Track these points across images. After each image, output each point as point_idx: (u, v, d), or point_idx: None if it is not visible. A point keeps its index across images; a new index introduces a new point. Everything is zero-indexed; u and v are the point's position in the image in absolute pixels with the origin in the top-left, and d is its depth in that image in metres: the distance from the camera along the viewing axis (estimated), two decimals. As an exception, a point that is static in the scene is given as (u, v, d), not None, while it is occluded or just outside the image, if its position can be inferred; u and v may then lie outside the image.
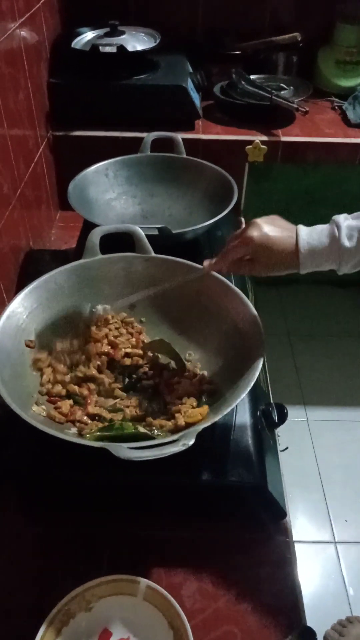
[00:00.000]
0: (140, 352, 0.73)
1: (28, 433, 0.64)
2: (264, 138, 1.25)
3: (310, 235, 0.60)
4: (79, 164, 1.00)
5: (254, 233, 0.61)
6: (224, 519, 0.69)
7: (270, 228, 0.61)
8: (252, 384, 0.59)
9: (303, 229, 0.61)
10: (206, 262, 0.68)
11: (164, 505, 0.69)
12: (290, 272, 0.62)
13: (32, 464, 0.65)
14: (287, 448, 0.84)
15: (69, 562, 0.64)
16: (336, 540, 1.39)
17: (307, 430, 1.63)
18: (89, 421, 0.63)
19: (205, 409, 0.62)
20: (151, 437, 0.59)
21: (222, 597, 0.63)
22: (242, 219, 1.28)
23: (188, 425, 0.60)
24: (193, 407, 0.64)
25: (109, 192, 1.05)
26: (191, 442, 0.50)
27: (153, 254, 0.76)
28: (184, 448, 0.50)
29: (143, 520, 0.69)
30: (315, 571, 1.35)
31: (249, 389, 0.58)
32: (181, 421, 0.61)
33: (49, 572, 0.64)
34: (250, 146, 1.25)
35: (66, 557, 0.65)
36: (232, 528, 0.68)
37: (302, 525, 1.41)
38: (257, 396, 0.75)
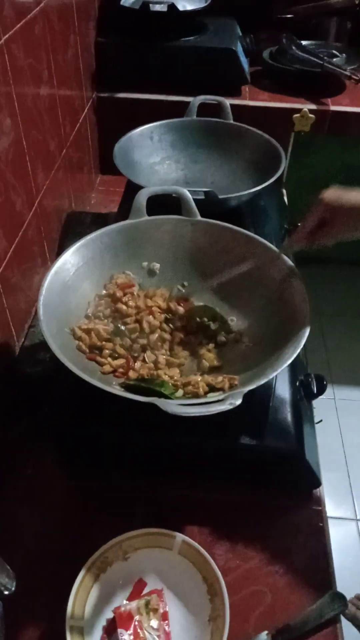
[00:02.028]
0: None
1: (68, 389, 0.66)
2: (313, 107, 1.21)
3: None
4: (122, 128, 0.98)
5: (327, 194, 0.60)
6: (260, 485, 0.70)
7: (341, 189, 0.61)
8: (299, 350, 0.59)
9: None
10: (286, 240, 0.68)
11: (201, 468, 0.70)
12: None
13: (70, 421, 0.66)
14: (321, 420, 0.83)
15: (104, 515, 0.66)
16: (358, 517, 1.40)
17: (334, 408, 1.62)
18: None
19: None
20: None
21: (254, 558, 0.64)
22: (284, 191, 1.25)
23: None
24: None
25: (153, 156, 1.04)
26: (238, 401, 0.50)
27: (200, 218, 0.76)
28: (230, 407, 0.50)
29: (177, 480, 0.70)
30: (335, 547, 1.35)
31: (295, 354, 0.58)
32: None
33: (84, 523, 0.66)
34: (298, 115, 1.21)
35: (101, 510, 0.67)
36: (267, 494, 0.69)
37: (325, 502, 1.42)
38: (296, 366, 0.75)
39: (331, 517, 1.40)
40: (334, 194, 0.61)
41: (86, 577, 0.57)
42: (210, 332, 0.71)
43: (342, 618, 0.59)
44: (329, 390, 1.67)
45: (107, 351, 0.66)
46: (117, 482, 0.69)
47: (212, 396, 0.59)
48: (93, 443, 0.69)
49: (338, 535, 1.38)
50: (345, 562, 1.34)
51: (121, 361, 0.65)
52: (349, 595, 1.26)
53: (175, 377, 0.64)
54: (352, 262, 1.90)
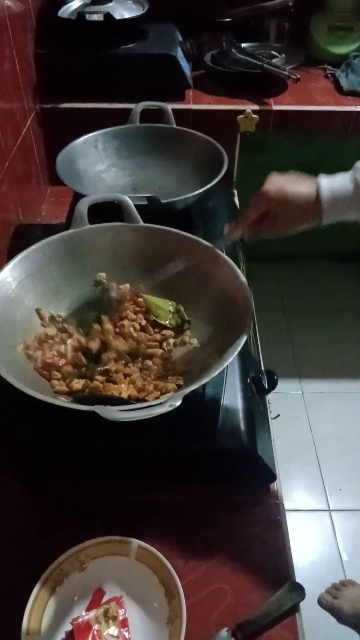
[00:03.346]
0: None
1: (19, 400, 0.66)
2: (256, 107, 1.23)
3: (332, 182, 0.58)
4: (68, 137, 0.98)
5: (269, 187, 0.59)
6: (216, 483, 0.70)
7: (287, 180, 0.59)
8: (238, 348, 0.59)
9: (324, 177, 0.59)
10: (226, 227, 0.66)
11: (155, 470, 0.70)
12: (311, 226, 0.60)
13: (25, 431, 0.65)
14: (278, 415, 0.85)
15: (64, 526, 0.66)
16: (330, 508, 1.42)
17: (303, 403, 1.64)
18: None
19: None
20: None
21: (213, 557, 0.64)
22: (235, 191, 1.27)
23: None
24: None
25: (99, 164, 1.04)
26: (178, 403, 0.51)
27: (142, 223, 0.76)
28: (170, 409, 0.50)
29: (135, 485, 0.70)
30: (310, 539, 1.38)
31: (235, 353, 0.59)
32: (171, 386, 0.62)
33: (44, 536, 0.65)
34: (242, 116, 1.23)
35: (61, 522, 0.67)
36: (223, 491, 0.70)
37: (297, 494, 1.44)
38: (247, 363, 0.76)
39: (305, 510, 1.43)
40: (277, 185, 0.59)
41: (42, 592, 0.56)
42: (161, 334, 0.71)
43: (301, 607, 0.60)
44: (297, 385, 1.71)
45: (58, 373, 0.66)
46: (76, 491, 0.69)
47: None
48: (48, 452, 0.68)
49: (312, 527, 1.40)
50: (322, 553, 1.36)
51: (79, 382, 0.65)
52: (326, 584, 1.28)
53: (129, 391, 0.64)
54: (318, 257, 1.94)
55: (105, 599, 0.59)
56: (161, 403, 0.52)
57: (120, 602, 0.58)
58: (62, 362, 0.66)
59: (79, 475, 0.70)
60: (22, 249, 0.74)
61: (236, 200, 1.25)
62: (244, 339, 0.60)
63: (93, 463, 0.70)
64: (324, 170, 1.52)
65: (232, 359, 0.58)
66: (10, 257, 0.95)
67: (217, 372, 0.57)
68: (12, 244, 0.98)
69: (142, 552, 0.60)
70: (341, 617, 1.18)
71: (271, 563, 0.65)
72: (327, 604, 1.19)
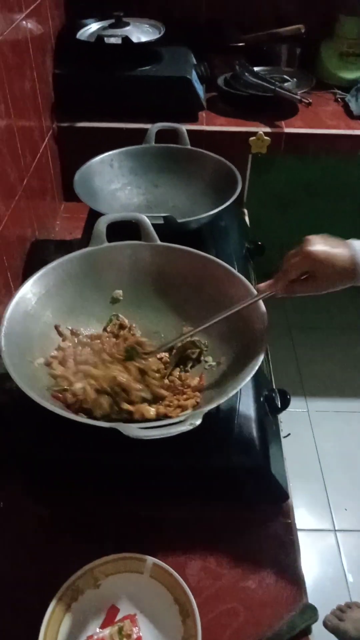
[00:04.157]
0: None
1: (34, 414, 0.66)
2: (267, 129, 1.26)
3: None
4: (83, 156, 1.01)
5: (312, 248, 0.60)
6: (228, 501, 0.71)
7: (326, 242, 0.61)
8: (256, 368, 0.60)
9: (355, 242, 0.61)
10: (262, 285, 0.66)
11: (168, 486, 0.71)
12: (344, 287, 0.62)
13: (36, 446, 0.66)
14: (289, 434, 0.85)
15: (75, 542, 0.66)
16: (336, 528, 1.41)
17: (308, 420, 1.65)
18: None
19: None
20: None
21: (226, 576, 0.65)
22: (245, 210, 1.29)
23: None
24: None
25: (114, 183, 1.06)
26: (198, 422, 0.52)
27: (159, 242, 0.78)
28: (191, 427, 0.51)
29: (147, 500, 0.70)
30: (315, 559, 1.37)
31: (253, 372, 0.60)
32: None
33: (54, 551, 0.65)
34: (254, 137, 1.25)
35: (71, 537, 0.67)
36: (235, 509, 0.70)
37: (302, 513, 1.44)
38: (260, 382, 0.77)
39: (309, 530, 1.43)
40: (320, 247, 0.60)
41: (57, 608, 0.56)
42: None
43: (313, 629, 0.60)
44: (302, 403, 1.71)
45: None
46: (87, 507, 0.70)
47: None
48: (59, 466, 0.69)
49: (317, 547, 1.39)
50: (326, 574, 1.35)
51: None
52: (331, 606, 1.27)
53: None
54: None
55: (119, 616, 0.59)
56: (181, 421, 0.52)
57: (134, 620, 0.58)
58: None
59: (89, 490, 0.70)
60: (38, 264, 0.76)
61: (246, 219, 1.27)
62: (261, 357, 0.61)
63: (102, 478, 0.70)
64: (326, 190, 1.55)
65: (250, 377, 0.59)
66: (26, 273, 0.98)
67: (235, 391, 0.58)
68: (28, 259, 1.00)
69: (157, 569, 0.60)
70: (350, 638, 1.17)
71: (283, 583, 0.65)
72: (333, 626, 1.17)
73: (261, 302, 0.68)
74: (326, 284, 0.62)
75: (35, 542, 0.67)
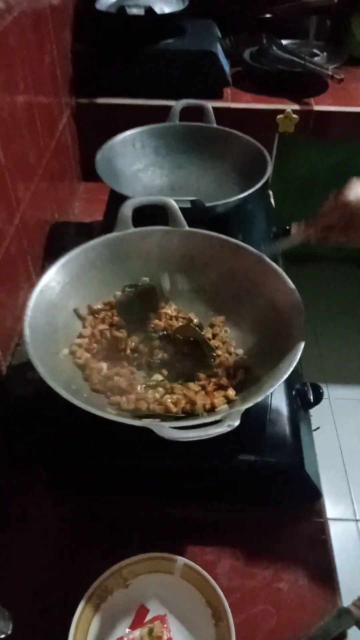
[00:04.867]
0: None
1: (59, 411, 0.64)
2: (296, 107, 1.20)
3: None
4: (103, 134, 0.96)
5: (350, 195, 0.56)
6: (259, 500, 0.68)
7: None
8: (295, 362, 0.57)
9: None
10: (294, 226, 0.63)
11: (198, 486, 0.68)
12: None
13: (61, 446, 0.64)
14: (318, 428, 0.82)
15: (101, 542, 0.64)
16: (357, 517, 1.39)
17: (329, 408, 1.62)
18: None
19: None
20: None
21: (257, 576, 0.62)
22: (270, 192, 1.24)
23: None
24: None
25: (136, 163, 1.02)
26: (236, 422, 0.49)
27: (187, 228, 0.74)
28: (229, 429, 0.48)
29: (177, 501, 0.68)
30: (336, 548, 1.35)
31: (292, 368, 0.57)
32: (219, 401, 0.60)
33: (81, 551, 0.63)
34: (282, 116, 1.20)
35: (97, 537, 0.65)
36: (267, 508, 0.68)
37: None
38: (291, 376, 0.73)
39: (330, 519, 1.41)
40: (358, 194, 0.56)
41: (86, 608, 0.55)
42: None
43: (349, 633, 0.58)
44: (324, 391, 1.68)
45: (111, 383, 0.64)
46: (113, 506, 0.67)
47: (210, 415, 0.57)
48: (86, 467, 0.67)
49: (337, 536, 1.37)
50: (346, 564, 1.33)
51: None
52: (351, 596, 1.25)
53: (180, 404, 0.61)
54: (342, 260, 1.90)
55: (148, 617, 0.57)
56: (217, 422, 0.50)
57: (164, 620, 0.56)
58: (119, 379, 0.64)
59: (115, 491, 0.68)
60: (59, 248, 0.73)
61: (272, 202, 1.22)
62: (300, 350, 0.58)
63: (129, 479, 0.68)
64: (352, 172, 1.49)
65: (289, 372, 0.56)
66: (46, 257, 0.95)
67: (274, 388, 0.54)
68: (47, 242, 0.97)
69: (188, 570, 0.58)
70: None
71: (317, 585, 0.62)
72: (356, 616, 1.16)
73: (296, 292, 0.65)
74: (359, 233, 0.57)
75: (62, 543, 0.65)
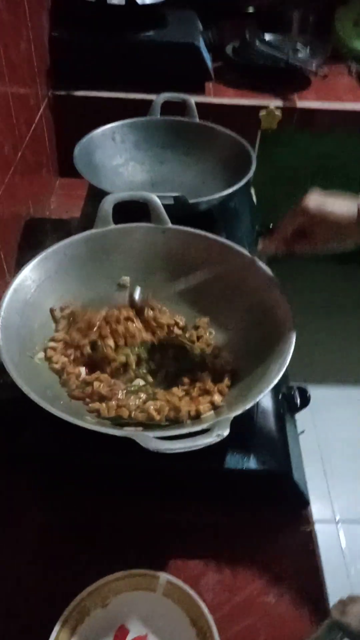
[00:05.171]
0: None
1: (35, 411, 0.60)
2: (279, 103, 1.17)
3: None
4: (81, 128, 0.92)
5: (309, 203, 0.56)
6: (244, 506, 0.65)
7: (327, 197, 0.56)
8: (284, 368, 0.54)
9: None
10: (260, 242, 0.63)
11: (184, 490, 0.65)
12: (347, 246, 0.57)
13: (47, 448, 0.60)
14: (303, 431, 0.80)
15: (80, 553, 0.60)
16: (337, 519, 1.39)
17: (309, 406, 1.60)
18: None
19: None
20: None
21: (243, 590, 0.60)
22: (252, 189, 1.22)
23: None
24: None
25: (116, 158, 0.98)
26: (226, 432, 0.46)
27: (171, 225, 0.71)
28: (218, 439, 0.45)
29: (162, 504, 0.65)
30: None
31: (281, 373, 0.54)
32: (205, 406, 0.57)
33: (60, 564, 0.60)
34: (264, 112, 1.17)
35: (77, 548, 0.61)
36: (250, 516, 0.65)
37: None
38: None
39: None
40: (316, 201, 0.56)
41: (62, 632, 0.51)
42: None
43: None
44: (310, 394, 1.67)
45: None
46: (93, 513, 0.64)
47: (195, 421, 0.54)
48: (64, 469, 0.63)
49: (318, 537, 1.36)
50: (327, 566, 1.32)
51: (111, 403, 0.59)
52: (333, 599, 1.24)
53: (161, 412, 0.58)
54: (319, 258, 1.89)
55: (129, 638, 0.54)
56: (205, 431, 0.47)
57: (146, 640, 0.53)
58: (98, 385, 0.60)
59: (102, 493, 0.65)
60: (34, 245, 0.69)
61: (254, 199, 1.19)
62: (289, 355, 0.56)
63: (116, 481, 0.64)
64: (336, 167, 1.47)
65: (278, 378, 0.53)
66: (21, 254, 0.90)
67: (263, 394, 0.52)
68: (22, 239, 0.92)
69: (171, 587, 0.55)
70: (351, 632, 1.15)
71: (305, 597, 0.60)
72: (336, 620, 1.15)
73: (282, 290, 0.62)
74: (324, 241, 0.57)
75: (39, 554, 0.61)
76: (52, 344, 0.63)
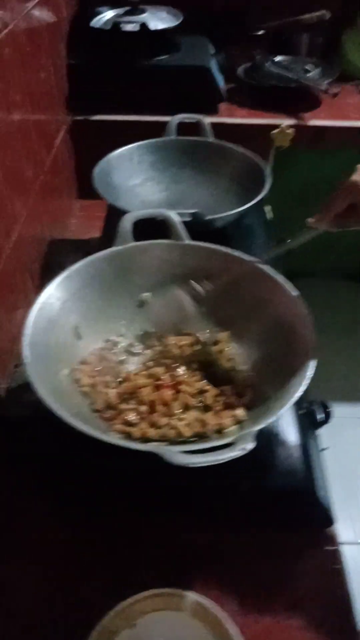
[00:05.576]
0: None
1: (56, 427, 0.60)
2: (291, 122, 1.19)
3: None
4: (99, 151, 0.94)
5: (357, 177, 0.54)
6: (268, 526, 0.64)
7: None
8: (306, 381, 0.54)
9: None
10: (310, 220, 0.60)
11: (203, 511, 0.64)
12: None
13: (59, 464, 0.61)
14: (326, 448, 0.79)
15: (105, 569, 0.60)
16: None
17: (332, 426, 1.58)
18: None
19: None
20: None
21: (269, 612, 0.58)
22: (266, 208, 1.23)
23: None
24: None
25: (133, 178, 1.00)
26: (251, 445, 0.46)
27: (189, 241, 0.71)
28: (243, 453, 0.45)
29: (183, 525, 0.64)
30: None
31: (304, 386, 0.54)
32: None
33: (83, 582, 0.59)
34: (276, 130, 1.19)
35: (101, 564, 0.61)
36: (275, 536, 0.64)
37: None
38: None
39: (340, 542, 1.36)
40: None
41: (90, 653, 0.50)
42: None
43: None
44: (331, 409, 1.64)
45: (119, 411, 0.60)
46: (118, 531, 0.63)
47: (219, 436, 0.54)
48: (89, 489, 0.63)
49: (348, 561, 1.33)
50: (353, 589, 1.29)
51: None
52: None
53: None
54: (337, 276, 1.89)
55: (156, 658, 0.53)
56: (230, 445, 0.46)
57: (173, 662, 0.52)
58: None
59: (119, 511, 0.64)
60: (56, 266, 0.70)
61: (268, 215, 1.20)
62: (311, 368, 0.55)
63: (134, 498, 0.64)
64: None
65: (301, 392, 0.53)
66: (44, 274, 0.92)
67: (286, 407, 0.51)
68: (44, 261, 0.94)
69: (198, 607, 0.54)
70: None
71: (333, 618, 0.58)
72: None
73: (305, 309, 0.62)
74: None
75: (61, 574, 0.60)
76: (82, 366, 0.64)
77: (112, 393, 0.60)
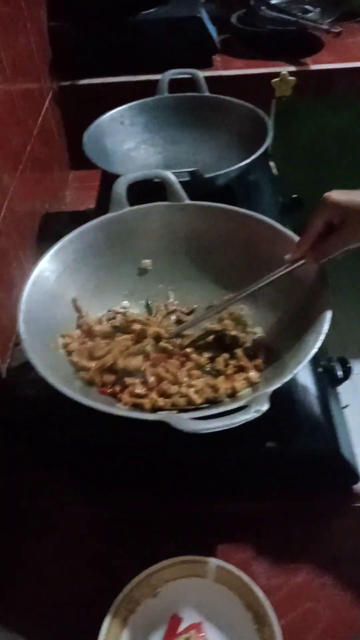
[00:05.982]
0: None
1: (72, 407, 0.59)
2: (292, 69, 1.12)
3: None
4: (89, 117, 0.90)
5: (337, 197, 0.52)
6: (292, 489, 0.63)
7: (348, 192, 0.53)
8: (322, 336, 0.51)
9: None
10: (288, 256, 0.59)
11: (223, 479, 0.63)
12: None
13: (76, 441, 0.59)
14: (347, 405, 0.76)
15: (129, 542, 0.59)
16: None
17: (352, 385, 1.55)
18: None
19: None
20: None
21: (300, 572, 0.57)
22: (272, 163, 1.17)
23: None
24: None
25: (127, 142, 0.96)
26: (265, 407, 0.43)
27: (188, 201, 0.68)
28: (257, 415, 0.42)
29: (205, 494, 0.62)
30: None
31: (319, 342, 0.51)
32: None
33: (107, 557, 0.58)
34: (277, 79, 1.12)
35: (125, 537, 0.60)
36: (300, 498, 0.62)
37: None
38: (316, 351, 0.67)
39: None
40: (343, 195, 0.52)
41: (113, 623, 0.50)
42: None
43: None
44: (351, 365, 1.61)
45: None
46: (141, 503, 0.62)
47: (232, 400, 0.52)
48: (105, 463, 0.61)
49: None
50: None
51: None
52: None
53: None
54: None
55: (182, 626, 0.52)
56: (242, 408, 0.44)
57: (200, 629, 0.51)
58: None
59: (141, 487, 0.63)
60: (53, 239, 0.67)
61: (274, 172, 1.15)
62: (327, 319, 0.52)
63: (154, 473, 0.62)
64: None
65: (317, 348, 0.50)
66: (41, 250, 0.89)
67: (301, 366, 0.48)
68: (40, 235, 0.91)
69: (222, 572, 0.53)
70: None
71: (365, 576, 0.57)
72: None
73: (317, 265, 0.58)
74: (353, 232, 0.53)
75: (86, 547, 0.60)
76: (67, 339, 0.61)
77: (120, 363, 0.58)
